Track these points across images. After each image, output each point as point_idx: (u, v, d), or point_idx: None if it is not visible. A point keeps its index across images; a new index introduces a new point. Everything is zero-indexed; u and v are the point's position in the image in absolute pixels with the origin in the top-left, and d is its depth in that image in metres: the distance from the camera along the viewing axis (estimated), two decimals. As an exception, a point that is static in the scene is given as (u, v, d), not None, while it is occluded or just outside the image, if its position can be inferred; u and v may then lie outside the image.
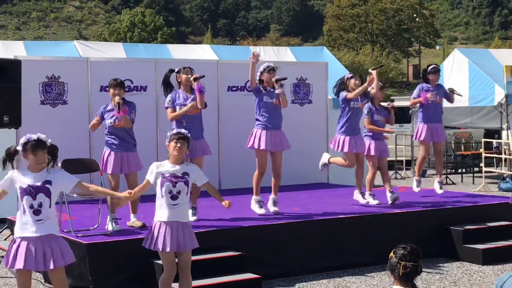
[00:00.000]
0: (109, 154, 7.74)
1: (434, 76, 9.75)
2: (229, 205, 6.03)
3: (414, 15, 66.80)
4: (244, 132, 8.52)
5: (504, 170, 16.08)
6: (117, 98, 7.67)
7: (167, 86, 8.23)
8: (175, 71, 8.22)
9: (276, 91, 8.16)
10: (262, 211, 8.39)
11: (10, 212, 9.09)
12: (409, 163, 19.01)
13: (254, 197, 8.45)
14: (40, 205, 5.13)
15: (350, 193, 9.88)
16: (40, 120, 9.71)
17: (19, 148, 5.23)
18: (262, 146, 8.20)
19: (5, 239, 9.44)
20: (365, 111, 9.31)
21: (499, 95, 15.99)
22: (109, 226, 7.54)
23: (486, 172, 15.89)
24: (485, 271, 8.11)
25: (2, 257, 8.55)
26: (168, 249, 5.71)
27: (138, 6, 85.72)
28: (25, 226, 5.15)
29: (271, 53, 15.81)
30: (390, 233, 8.36)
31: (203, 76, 8.12)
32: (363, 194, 9.24)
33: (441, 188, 9.89)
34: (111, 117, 7.71)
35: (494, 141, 17.65)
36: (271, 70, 8.24)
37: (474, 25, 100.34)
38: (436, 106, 9.72)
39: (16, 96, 7.78)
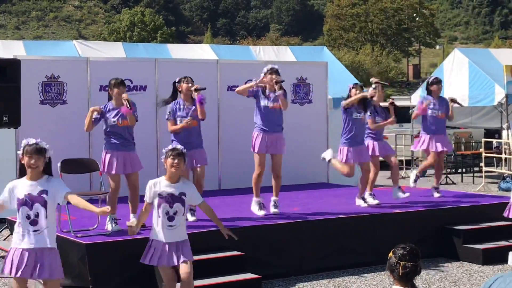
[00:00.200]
0: (112, 155, 7.67)
1: (436, 87, 9.78)
2: (227, 235, 5.94)
3: (414, 15, 66.77)
4: (244, 132, 8.52)
5: (504, 170, 16.07)
6: (125, 95, 7.68)
7: (173, 95, 8.24)
8: (176, 81, 8.22)
9: (276, 93, 8.16)
10: (261, 212, 8.39)
11: (10, 212, 9.07)
12: (409, 163, 19.01)
13: (254, 198, 8.45)
14: (37, 215, 5.11)
15: (350, 193, 9.89)
16: (39, 120, 9.71)
17: (19, 152, 5.22)
18: (257, 150, 8.25)
19: (4, 239, 9.43)
20: (368, 111, 9.35)
21: (499, 94, 15.98)
22: (109, 226, 7.54)
23: (486, 172, 15.88)
24: (485, 271, 8.10)
25: (2, 257, 8.55)
26: (164, 263, 5.71)
27: (138, 5, 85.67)
28: (23, 237, 5.13)
29: (271, 53, 15.80)
30: (390, 233, 8.35)
31: (205, 89, 8.14)
32: (364, 199, 9.21)
33: (438, 192, 10.00)
34: (115, 115, 7.67)
35: (494, 140, 17.65)
36: (273, 72, 8.23)
37: (474, 24, 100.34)
38: (439, 121, 9.77)
39: (16, 95, 7.77)
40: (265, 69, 8.29)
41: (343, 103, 8.91)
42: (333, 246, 8.16)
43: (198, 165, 8.02)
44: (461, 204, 9.44)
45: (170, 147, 5.93)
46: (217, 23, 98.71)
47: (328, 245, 8.14)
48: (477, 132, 19.64)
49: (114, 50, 14.28)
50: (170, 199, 5.71)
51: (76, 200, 5.20)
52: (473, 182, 16.64)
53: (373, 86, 9.08)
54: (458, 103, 10.14)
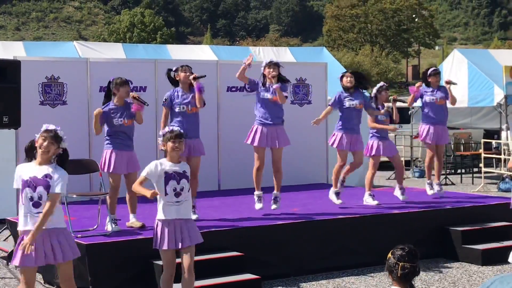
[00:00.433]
0: (115, 154, 7.65)
1: (435, 78, 9.76)
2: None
3: (414, 16, 66.84)
4: (243, 133, 8.52)
5: (503, 171, 16.07)
6: (134, 93, 7.72)
7: (173, 84, 8.23)
8: (173, 69, 8.21)
9: (274, 86, 8.16)
10: (259, 206, 8.38)
11: (9, 213, 9.10)
12: (408, 163, 19.02)
13: (255, 192, 8.46)
14: (40, 197, 5.16)
15: (349, 193, 9.90)
16: (39, 121, 9.61)
17: (37, 135, 5.30)
18: (256, 143, 8.22)
19: (4, 240, 9.44)
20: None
21: (499, 95, 16.00)
22: (109, 227, 7.54)
23: (485, 172, 15.89)
24: (484, 271, 8.12)
25: (2, 257, 8.56)
26: (165, 247, 5.73)
27: (138, 6, 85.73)
28: (27, 219, 5.17)
29: (270, 54, 15.81)
30: (390, 234, 8.36)
31: (204, 76, 8.12)
32: (337, 194, 9.22)
33: (441, 189, 9.95)
34: (121, 115, 7.67)
35: (494, 141, 17.66)
36: (272, 65, 8.23)
37: (473, 25, 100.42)
38: (438, 108, 9.72)
39: (16, 96, 7.78)
40: (264, 62, 8.32)
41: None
42: (332, 246, 8.17)
43: (192, 155, 7.94)
44: (460, 205, 9.44)
45: (167, 129, 5.94)
46: (217, 24, 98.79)
47: (327, 246, 8.15)
48: (476, 132, 19.64)
49: (114, 51, 14.29)
50: (177, 176, 5.77)
51: (50, 209, 5.12)
52: (473, 183, 16.65)
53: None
54: (454, 83, 10.09)
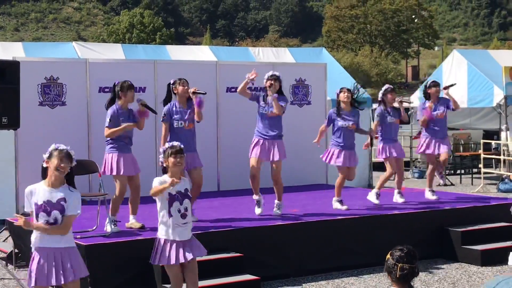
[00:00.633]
0: (121, 156, 7.66)
1: (434, 89, 9.74)
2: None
3: (413, 16, 66.80)
4: (243, 133, 8.54)
5: (503, 171, 16.08)
6: (143, 101, 7.77)
7: (168, 97, 8.25)
8: (171, 83, 8.21)
9: (268, 98, 8.20)
10: (258, 211, 8.42)
11: (9, 213, 9.09)
12: (408, 164, 19.02)
13: (253, 196, 8.51)
14: (55, 220, 5.12)
15: (349, 194, 9.90)
16: (38, 121, 9.71)
17: (45, 155, 5.19)
18: (252, 155, 8.35)
19: (4, 241, 9.44)
20: (375, 114, 9.50)
21: (498, 96, 15.99)
22: (108, 228, 7.53)
23: (485, 173, 15.89)
24: (484, 272, 8.11)
25: (2, 258, 8.55)
26: (173, 262, 5.69)
27: (137, 7, 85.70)
28: (41, 236, 5.13)
29: (270, 54, 15.81)
30: (389, 234, 8.36)
31: (204, 93, 8.12)
32: (341, 202, 9.19)
33: (433, 195, 9.92)
34: (128, 118, 7.70)
35: (493, 142, 17.65)
36: (273, 79, 8.25)
37: (473, 26, 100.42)
38: (440, 121, 9.74)
39: (15, 97, 7.76)
40: (266, 75, 8.35)
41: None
42: (332, 247, 8.17)
43: (192, 167, 7.99)
44: (459, 206, 9.45)
45: (167, 145, 5.91)
46: (216, 24, 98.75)
47: (327, 246, 8.15)
48: (476, 133, 19.64)
49: (113, 52, 14.28)
50: (180, 196, 5.73)
51: (65, 228, 5.16)
52: (472, 184, 16.66)
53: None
54: (453, 84, 10.08)
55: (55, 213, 5.11)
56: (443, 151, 9.68)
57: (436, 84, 9.85)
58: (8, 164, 10.09)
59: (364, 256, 8.25)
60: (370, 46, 63.46)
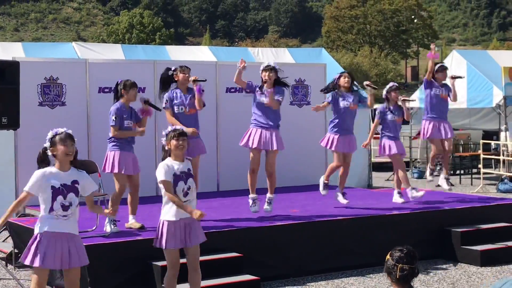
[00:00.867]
0: (123, 155, 7.68)
1: (442, 74, 9.70)
2: (200, 216, 5.78)
3: (412, 17, 66.84)
4: (242, 134, 8.52)
5: (502, 172, 16.08)
6: (148, 98, 7.79)
7: (165, 85, 8.23)
8: (172, 69, 8.22)
9: (267, 91, 8.17)
10: (254, 208, 8.39)
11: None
12: (407, 164, 19.01)
13: (249, 195, 8.47)
14: (70, 203, 5.22)
15: (348, 194, 9.88)
16: (38, 122, 9.71)
17: (47, 144, 5.26)
18: (251, 144, 8.25)
19: (3, 241, 9.43)
20: (376, 112, 9.53)
21: (497, 96, 15.99)
22: (108, 228, 7.54)
23: (484, 173, 15.89)
24: (484, 272, 8.12)
25: (1, 258, 8.55)
26: (172, 246, 5.73)
27: (137, 7, 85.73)
28: (49, 221, 5.18)
29: (269, 55, 15.81)
30: (389, 235, 8.36)
31: (205, 80, 8.12)
32: (343, 194, 9.22)
33: (448, 184, 9.80)
34: (130, 117, 7.75)
35: (493, 142, 17.65)
36: (269, 69, 8.22)
37: (472, 26, 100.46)
38: (442, 103, 9.66)
39: (15, 97, 7.76)
40: (261, 66, 8.33)
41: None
42: (331, 247, 8.17)
43: (193, 155, 7.95)
44: (459, 206, 9.45)
45: (169, 128, 5.95)
46: (216, 25, 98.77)
47: (326, 247, 8.14)
48: (475, 133, 19.64)
49: (113, 52, 14.28)
50: (184, 176, 5.79)
51: (96, 208, 5.63)
52: (471, 184, 16.66)
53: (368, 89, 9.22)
54: (459, 76, 10.04)
55: (71, 195, 5.21)
56: (448, 137, 9.62)
57: (443, 68, 9.77)
58: (8, 164, 10.09)
59: (364, 256, 8.25)
60: (369, 47, 63.51)
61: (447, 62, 18.21)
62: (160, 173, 5.75)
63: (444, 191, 10.26)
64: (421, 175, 17.54)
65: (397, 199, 9.52)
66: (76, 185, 5.26)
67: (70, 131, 5.32)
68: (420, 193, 9.26)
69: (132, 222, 7.80)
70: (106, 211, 5.75)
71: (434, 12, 78.91)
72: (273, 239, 7.87)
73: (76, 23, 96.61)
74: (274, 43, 66.12)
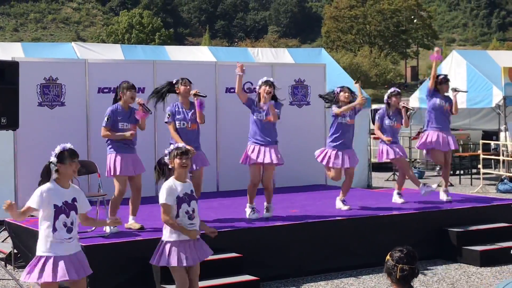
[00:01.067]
0: (121, 157, 7.67)
1: (445, 86, 9.69)
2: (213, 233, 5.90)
3: (412, 17, 66.85)
4: (242, 134, 8.53)
5: (502, 172, 16.08)
6: (140, 99, 7.76)
7: (159, 98, 8.25)
8: (173, 82, 8.22)
9: (268, 103, 8.18)
10: (254, 216, 8.41)
11: (8, 214, 9.07)
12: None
13: (248, 204, 8.50)
14: (72, 223, 5.16)
15: (349, 194, 9.88)
16: (37, 122, 9.71)
17: (53, 159, 5.18)
18: (248, 161, 8.32)
19: (3, 241, 9.43)
20: (376, 116, 9.49)
21: (497, 96, 16.00)
22: (107, 228, 7.53)
23: (484, 173, 15.90)
24: (483, 272, 8.11)
25: (1, 259, 8.54)
26: (184, 264, 5.67)
27: (136, 7, 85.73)
28: (54, 246, 5.11)
29: (269, 55, 15.81)
30: (388, 235, 8.36)
31: (205, 96, 8.14)
32: (343, 202, 9.17)
33: (447, 196, 9.76)
34: (127, 119, 7.73)
35: (492, 142, 17.65)
36: (268, 84, 8.23)
37: (472, 26, 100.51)
38: (446, 114, 9.67)
39: (14, 97, 7.76)
40: (260, 81, 8.33)
41: (335, 111, 8.91)
42: (331, 248, 8.17)
43: (198, 167, 8.00)
44: (459, 206, 9.45)
45: (172, 147, 5.90)
46: (215, 25, 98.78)
47: (326, 247, 8.14)
48: (475, 134, 19.64)
49: (113, 52, 14.27)
50: (187, 198, 5.73)
51: (85, 219, 5.47)
52: (471, 184, 16.66)
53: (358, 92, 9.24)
54: (462, 91, 10.04)
55: (72, 213, 5.17)
56: (452, 148, 9.63)
57: (446, 80, 9.74)
58: (8, 164, 10.09)
59: (364, 256, 8.25)
60: (369, 47, 63.53)
61: (447, 62, 18.24)
62: (162, 196, 5.67)
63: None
64: (420, 176, 17.54)
65: (396, 199, 9.52)
66: (75, 203, 5.20)
67: (72, 147, 5.26)
68: (433, 186, 9.37)
69: (131, 223, 7.80)
70: (108, 221, 5.78)
71: (434, 12, 78.92)
72: (273, 239, 7.87)
73: (75, 23, 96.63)
74: (273, 43, 66.12)
